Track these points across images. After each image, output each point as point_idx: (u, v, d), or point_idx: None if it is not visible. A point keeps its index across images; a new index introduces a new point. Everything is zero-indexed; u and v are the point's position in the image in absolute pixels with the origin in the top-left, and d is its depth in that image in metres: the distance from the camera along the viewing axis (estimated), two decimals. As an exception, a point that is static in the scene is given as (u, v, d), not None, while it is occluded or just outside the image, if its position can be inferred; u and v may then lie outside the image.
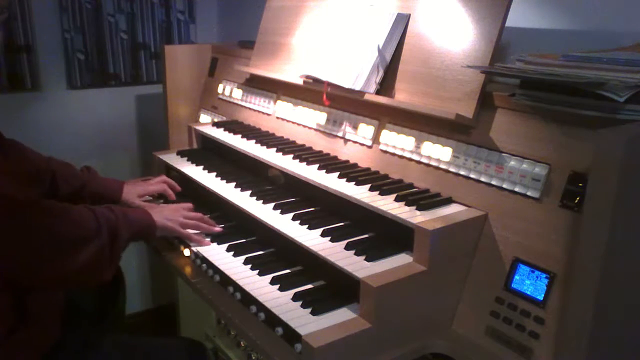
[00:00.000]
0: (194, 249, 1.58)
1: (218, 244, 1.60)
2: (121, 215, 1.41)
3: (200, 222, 1.62)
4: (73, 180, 1.71)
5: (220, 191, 1.72)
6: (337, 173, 1.59)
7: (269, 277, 1.40)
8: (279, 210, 1.55)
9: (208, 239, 1.61)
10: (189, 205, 1.70)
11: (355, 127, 1.72)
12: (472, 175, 1.39)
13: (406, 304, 1.26)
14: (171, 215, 1.58)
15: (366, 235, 1.43)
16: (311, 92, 1.86)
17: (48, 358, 1.34)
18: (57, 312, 1.41)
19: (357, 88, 1.64)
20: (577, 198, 1.19)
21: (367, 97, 1.61)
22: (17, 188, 1.26)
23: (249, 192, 1.68)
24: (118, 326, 1.72)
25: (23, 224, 1.19)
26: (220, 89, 2.41)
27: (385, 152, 1.63)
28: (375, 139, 1.67)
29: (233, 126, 2.12)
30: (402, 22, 1.62)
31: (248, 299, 1.34)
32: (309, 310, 1.26)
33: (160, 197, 1.91)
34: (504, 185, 1.32)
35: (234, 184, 1.76)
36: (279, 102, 2.06)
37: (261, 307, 1.30)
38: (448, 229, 1.28)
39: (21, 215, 1.19)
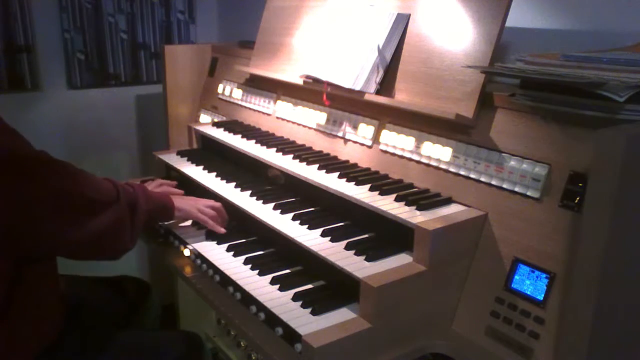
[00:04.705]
0: (194, 249, 1.58)
1: (218, 244, 1.60)
2: (139, 189, 1.46)
3: (218, 213, 1.65)
4: None
5: (220, 191, 1.72)
6: (337, 173, 1.59)
7: (269, 277, 1.40)
8: (279, 210, 1.55)
9: (222, 229, 1.63)
10: (211, 200, 1.71)
11: (355, 127, 1.72)
12: (472, 175, 1.39)
13: (406, 304, 1.26)
14: (191, 202, 1.64)
15: (366, 235, 1.43)
16: (311, 92, 1.86)
17: (47, 354, 1.34)
18: (57, 308, 1.41)
19: (357, 88, 1.64)
20: (577, 198, 1.19)
21: (367, 97, 1.62)
22: None
23: (249, 192, 1.68)
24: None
25: (40, 182, 1.18)
26: (220, 89, 2.41)
27: (385, 152, 1.63)
28: (375, 139, 1.67)
29: (233, 126, 2.12)
30: (402, 22, 1.62)
31: (248, 299, 1.34)
32: (309, 310, 1.26)
33: None
34: (504, 185, 1.32)
35: (234, 184, 1.76)
36: (279, 102, 2.06)
37: (261, 307, 1.30)
38: (448, 229, 1.28)
39: (37, 174, 1.18)
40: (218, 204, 1.67)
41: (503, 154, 1.34)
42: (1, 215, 1.14)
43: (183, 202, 1.62)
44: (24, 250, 1.24)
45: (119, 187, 1.38)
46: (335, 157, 1.76)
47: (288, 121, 2.00)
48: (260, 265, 1.45)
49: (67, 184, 1.24)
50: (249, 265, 1.47)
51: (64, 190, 1.23)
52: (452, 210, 1.37)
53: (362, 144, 1.71)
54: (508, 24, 1.39)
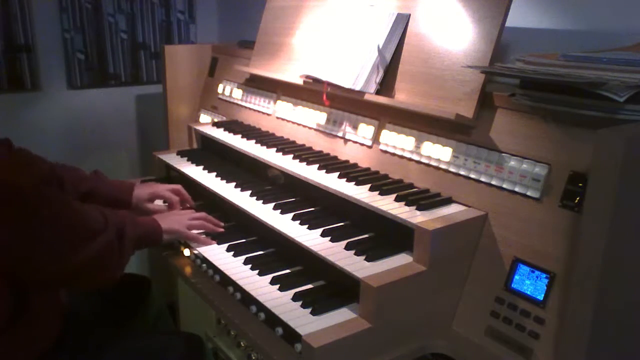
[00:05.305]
0: (194, 249, 1.58)
1: (218, 244, 1.60)
2: (127, 216, 1.43)
3: (205, 221, 1.64)
4: (81, 185, 1.70)
5: (220, 191, 1.72)
6: (337, 173, 1.59)
7: (269, 277, 1.40)
8: (279, 210, 1.55)
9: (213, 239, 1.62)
10: (190, 211, 1.70)
11: (355, 127, 1.72)
12: (472, 175, 1.39)
13: (406, 304, 1.26)
14: (177, 219, 1.59)
15: (366, 235, 1.43)
16: (311, 92, 1.86)
17: (47, 355, 1.34)
18: (57, 312, 1.41)
19: (357, 88, 1.64)
20: (577, 198, 1.19)
21: (367, 97, 1.61)
22: None
23: (249, 192, 1.68)
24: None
25: (29, 212, 1.16)
26: (220, 89, 2.41)
27: (385, 152, 1.63)
28: (375, 139, 1.67)
29: (233, 126, 2.12)
30: (402, 22, 1.62)
31: (248, 299, 1.34)
32: (309, 310, 1.26)
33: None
34: (504, 185, 1.32)
35: (234, 184, 1.76)
36: (279, 102, 2.06)
37: (261, 307, 1.30)
38: (448, 229, 1.28)
39: (27, 203, 1.16)
40: (202, 213, 1.66)
41: (503, 154, 1.34)
42: None
43: (168, 221, 1.57)
44: (20, 277, 1.23)
45: (106, 215, 1.36)
46: (335, 157, 1.76)
47: (288, 121, 2.00)
48: (260, 265, 1.45)
49: (58, 213, 1.23)
50: (249, 265, 1.47)
51: (56, 220, 1.22)
52: (452, 210, 1.37)
53: (362, 144, 1.71)
54: (508, 24, 1.39)
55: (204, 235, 1.62)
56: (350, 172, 1.59)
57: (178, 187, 1.81)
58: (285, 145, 1.85)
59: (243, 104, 2.25)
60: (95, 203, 1.65)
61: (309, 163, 1.68)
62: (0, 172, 1.15)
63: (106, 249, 1.30)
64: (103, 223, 1.33)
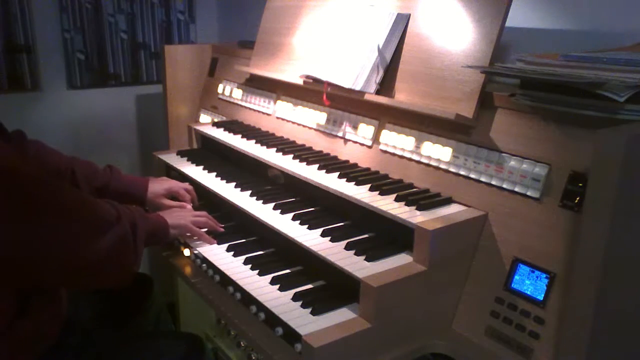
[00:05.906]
0: (194, 249, 1.58)
1: (218, 244, 1.60)
2: (136, 211, 1.42)
3: (208, 219, 1.65)
4: (95, 180, 1.69)
5: (220, 191, 1.72)
6: (337, 173, 1.59)
7: (269, 277, 1.40)
8: (279, 210, 1.55)
9: (214, 240, 1.63)
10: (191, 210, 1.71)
11: (355, 127, 1.72)
12: (472, 175, 1.39)
13: (406, 304, 1.26)
14: (181, 215, 1.61)
15: (366, 235, 1.43)
16: (311, 92, 1.86)
17: (48, 357, 1.34)
18: (58, 312, 1.41)
19: (357, 88, 1.64)
20: (577, 198, 1.19)
21: (367, 97, 1.62)
22: None
23: (249, 192, 1.68)
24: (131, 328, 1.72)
25: (31, 204, 1.10)
26: (220, 89, 2.41)
27: (385, 152, 1.63)
28: (375, 139, 1.67)
29: (233, 126, 2.12)
30: (402, 22, 1.62)
31: (248, 299, 1.34)
32: (309, 310, 1.26)
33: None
34: (504, 185, 1.32)
35: (234, 184, 1.76)
36: (279, 102, 2.06)
37: (261, 307, 1.30)
38: (448, 229, 1.28)
39: (29, 193, 1.10)
40: (203, 212, 1.67)
41: (503, 154, 1.34)
42: (3, 239, 1.09)
43: (174, 217, 1.58)
44: (28, 278, 1.20)
45: (117, 207, 1.33)
46: (335, 157, 1.76)
47: (288, 121, 2.00)
48: (260, 265, 1.45)
49: (66, 204, 1.18)
50: (249, 265, 1.47)
51: (64, 212, 1.17)
52: (452, 210, 1.37)
53: (362, 144, 1.71)
54: (508, 24, 1.39)
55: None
56: (350, 172, 1.59)
57: (190, 185, 1.84)
58: (285, 145, 1.85)
59: (243, 104, 2.25)
60: (108, 198, 1.64)
61: (309, 163, 1.68)
62: (4, 161, 1.11)
63: (121, 243, 1.27)
64: (115, 216, 1.29)
